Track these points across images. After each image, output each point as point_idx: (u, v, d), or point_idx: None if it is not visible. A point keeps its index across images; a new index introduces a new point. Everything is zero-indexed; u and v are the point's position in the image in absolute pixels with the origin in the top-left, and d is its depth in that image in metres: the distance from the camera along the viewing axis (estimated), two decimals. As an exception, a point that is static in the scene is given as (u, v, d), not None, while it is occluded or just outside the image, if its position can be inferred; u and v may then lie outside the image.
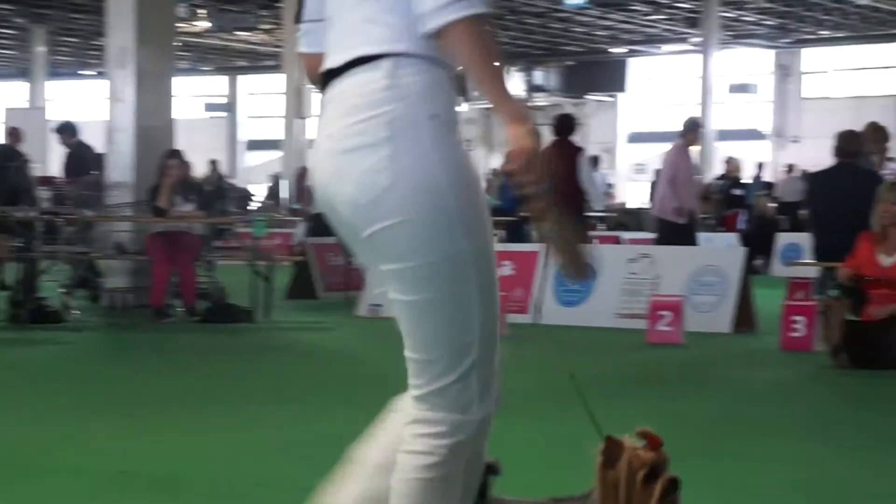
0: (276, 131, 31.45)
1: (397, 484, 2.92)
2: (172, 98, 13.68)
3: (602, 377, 7.48)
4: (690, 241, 12.93)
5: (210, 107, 49.51)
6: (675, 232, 12.77)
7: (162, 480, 4.82)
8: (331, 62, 2.92)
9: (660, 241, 13.20)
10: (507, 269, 12.04)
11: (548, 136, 13.71)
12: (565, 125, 13.18)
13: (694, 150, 13.54)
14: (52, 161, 31.93)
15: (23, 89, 41.63)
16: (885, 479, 5.05)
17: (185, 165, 12.47)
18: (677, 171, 12.88)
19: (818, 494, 4.73)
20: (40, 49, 40.21)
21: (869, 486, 4.91)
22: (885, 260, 8.44)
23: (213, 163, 31.15)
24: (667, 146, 13.97)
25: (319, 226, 15.80)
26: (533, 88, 43.35)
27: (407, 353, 2.99)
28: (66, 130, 15.27)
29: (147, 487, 4.71)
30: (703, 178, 20.74)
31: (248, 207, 27.01)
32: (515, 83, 43.58)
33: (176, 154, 12.28)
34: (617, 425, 2.69)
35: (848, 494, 4.73)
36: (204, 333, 10.82)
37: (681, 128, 13.33)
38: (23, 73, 43.60)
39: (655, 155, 35.72)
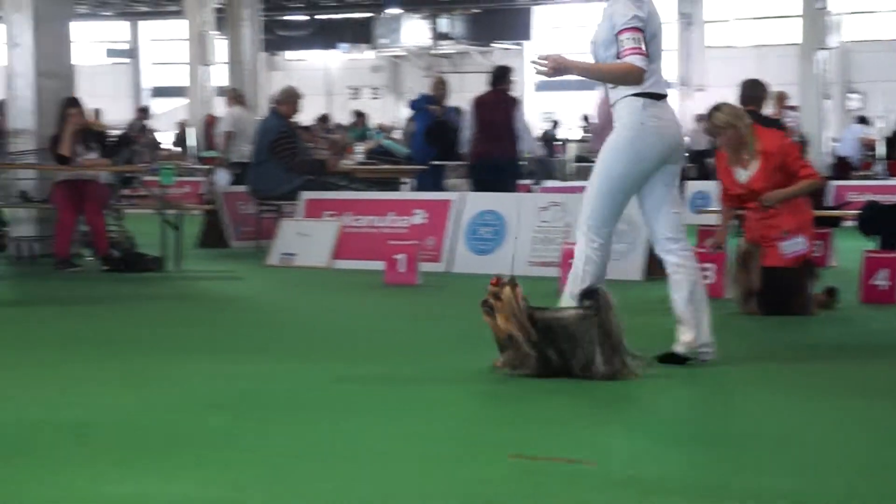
0: (181, 78, 30.99)
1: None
2: (72, 43, 13.42)
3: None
4: None
5: (112, 52, 48.63)
6: None
7: (69, 428, 4.76)
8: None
9: None
10: (419, 218, 12.03)
11: (483, 86, 13.88)
12: (502, 76, 13.66)
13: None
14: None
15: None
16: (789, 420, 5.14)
17: (84, 113, 12.26)
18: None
19: (720, 443, 4.79)
20: None
21: (766, 427, 5.00)
22: (743, 175, 8.65)
23: (143, 111, 30.75)
24: (576, 95, 14.13)
25: (239, 174, 15.70)
26: (438, 36, 43.17)
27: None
28: None
29: (54, 436, 4.64)
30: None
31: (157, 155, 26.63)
32: (420, 31, 43.41)
33: (76, 102, 12.06)
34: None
35: (749, 443, 4.79)
36: (113, 283, 10.68)
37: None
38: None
39: (566, 104, 35.88)
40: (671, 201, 6.29)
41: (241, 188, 14.63)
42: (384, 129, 28.78)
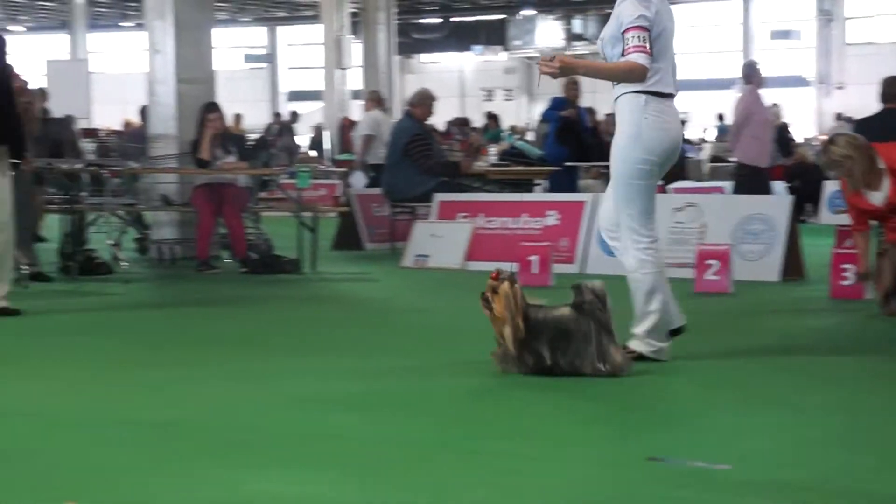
0: (317, 82, 31.40)
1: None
2: (212, 49, 13.68)
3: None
4: (767, 185, 13.72)
5: (250, 58, 49.49)
6: (755, 177, 13.41)
7: (208, 430, 4.85)
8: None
9: (739, 188, 13.69)
10: (552, 219, 12.01)
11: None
12: None
13: (764, 92, 13.89)
14: (95, 113, 32.08)
15: (64, 41, 41.74)
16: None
17: (224, 117, 12.50)
18: (751, 116, 13.43)
19: (861, 445, 4.69)
20: (80, 1, 40.24)
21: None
22: (877, 197, 8.36)
23: (277, 115, 31.29)
24: (710, 95, 14.13)
25: (374, 177, 15.83)
26: (572, 37, 43.03)
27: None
28: None
29: (192, 436, 4.74)
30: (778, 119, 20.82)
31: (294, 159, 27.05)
32: (554, 32, 43.30)
33: (215, 107, 12.29)
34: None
35: (891, 446, 4.68)
36: (250, 284, 10.86)
37: (740, 74, 14.02)
38: (63, 25, 43.72)
39: (700, 104, 35.44)
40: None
41: (376, 190, 14.76)
42: (517, 131, 28.79)
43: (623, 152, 6.24)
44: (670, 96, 6.28)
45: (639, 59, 6.07)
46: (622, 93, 6.22)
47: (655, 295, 6.27)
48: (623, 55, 6.13)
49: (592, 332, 5.92)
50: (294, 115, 30.45)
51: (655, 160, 6.22)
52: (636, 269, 6.29)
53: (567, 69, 6.25)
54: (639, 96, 6.17)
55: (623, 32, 6.13)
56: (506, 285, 5.94)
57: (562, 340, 5.95)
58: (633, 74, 6.11)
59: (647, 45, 6.08)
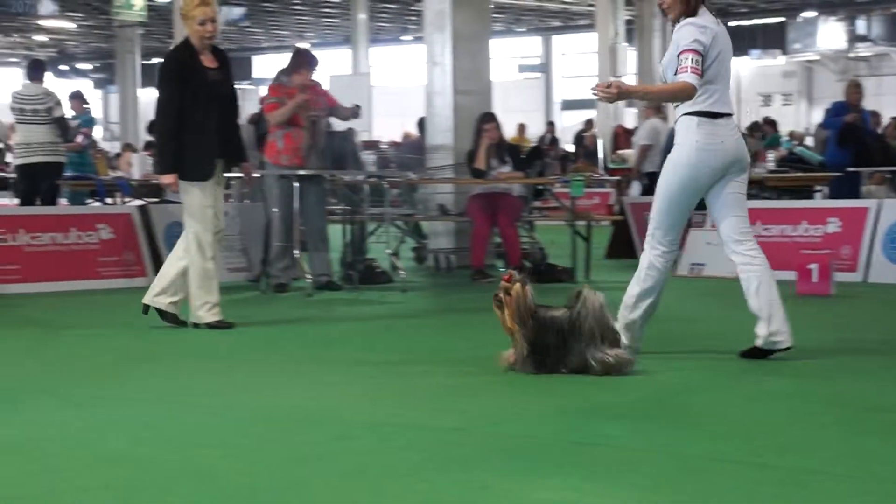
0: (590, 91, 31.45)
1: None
2: (489, 60, 13.87)
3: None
4: None
5: (524, 67, 49.91)
6: None
7: (484, 436, 4.92)
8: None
9: None
10: (833, 227, 11.66)
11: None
12: None
13: None
14: (375, 126, 33.01)
15: (346, 56, 43.09)
16: None
17: (500, 127, 12.64)
18: None
19: None
20: (362, 16, 41.53)
21: None
22: None
23: (550, 125, 31.53)
24: None
25: (650, 185, 15.71)
26: (855, 38, 41.62)
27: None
28: (78, 97, 15.71)
29: (468, 443, 4.81)
30: None
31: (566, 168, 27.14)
32: (836, 33, 41.98)
33: (491, 117, 12.45)
34: None
35: None
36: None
37: None
38: (346, 40, 45.15)
39: None
40: (736, 206, 6.82)
41: (650, 198, 14.64)
42: (795, 137, 28.05)
43: (672, 167, 6.75)
44: (725, 115, 6.73)
45: (688, 78, 6.53)
46: (679, 115, 6.73)
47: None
48: (676, 75, 6.60)
49: (584, 335, 6.24)
50: (590, 123, 30.28)
51: (701, 182, 6.73)
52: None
53: (624, 95, 6.77)
54: (692, 118, 6.67)
55: (678, 55, 6.59)
56: (517, 286, 6.29)
57: (560, 340, 6.28)
58: (683, 93, 6.58)
59: (699, 67, 6.55)
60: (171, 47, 8.92)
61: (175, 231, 11.85)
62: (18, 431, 5.06)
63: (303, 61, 11.07)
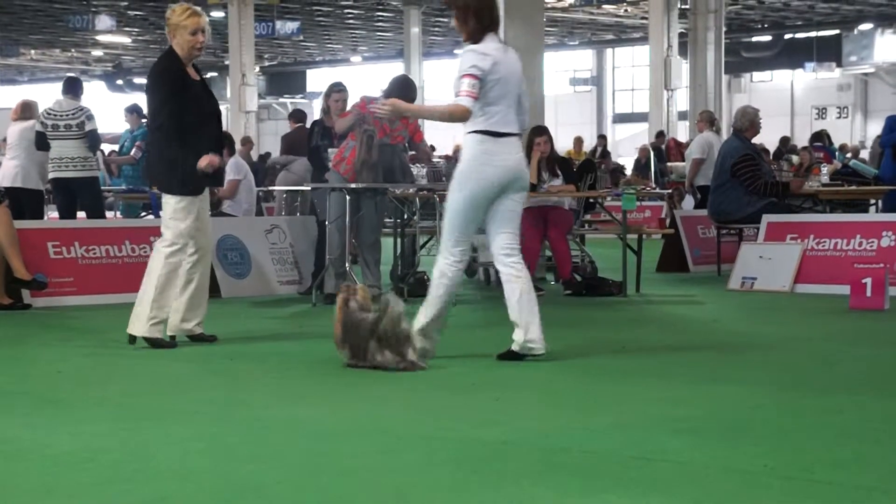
0: (643, 104, 31.35)
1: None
2: (543, 74, 13.87)
3: None
4: None
5: (575, 81, 49.87)
6: None
7: (533, 450, 4.92)
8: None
9: None
10: (888, 240, 11.56)
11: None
12: None
13: None
14: (427, 138, 33.06)
15: (399, 70, 43.27)
16: None
17: (551, 141, 12.65)
18: None
19: None
20: (415, 30, 41.69)
21: None
22: None
23: (602, 138, 31.51)
24: None
25: (702, 198, 15.66)
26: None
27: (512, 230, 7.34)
28: (134, 111, 15.83)
29: (517, 456, 4.82)
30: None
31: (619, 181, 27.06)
32: (893, 46, 41.60)
33: (543, 130, 12.46)
34: None
35: None
36: (574, 306, 10.94)
37: None
38: (399, 53, 45.36)
39: None
40: (510, 222, 7.33)
41: (702, 212, 14.60)
42: (846, 150, 27.83)
43: (457, 181, 7.20)
44: (507, 135, 7.21)
45: (462, 101, 7.07)
46: (465, 132, 7.19)
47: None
48: (455, 97, 7.11)
49: (377, 333, 6.96)
50: (662, 134, 29.95)
51: (486, 193, 7.18)
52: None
53: (397, 112, 7.74)
54: (476, 135, 7.15)
55: (458, 79, 7.11)
56: (339, 297, 7.21)
57: (360, 338, 7.03)
58: (455, 115, 7.14)
59: (475, 91, 7.05)
60: (158, 59, 8.46)
61: (228, 243, 11.97)
62: (75, 442, 5.12)
63: (407, 89, 11.03)
